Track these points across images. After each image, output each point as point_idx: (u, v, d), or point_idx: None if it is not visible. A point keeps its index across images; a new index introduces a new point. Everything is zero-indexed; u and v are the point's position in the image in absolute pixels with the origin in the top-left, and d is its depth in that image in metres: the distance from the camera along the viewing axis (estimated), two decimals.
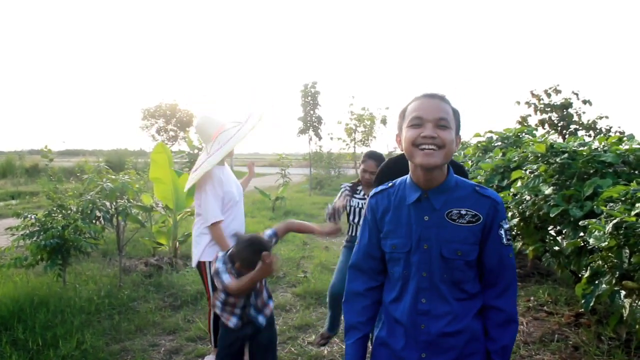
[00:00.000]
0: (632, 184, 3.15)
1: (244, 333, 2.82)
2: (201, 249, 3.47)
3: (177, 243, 6.54)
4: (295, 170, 19.51)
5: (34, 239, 4.84)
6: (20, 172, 20.25)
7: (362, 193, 3.88)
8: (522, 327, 4.22)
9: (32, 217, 5.02)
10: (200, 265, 3.50)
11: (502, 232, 1.65)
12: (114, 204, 5.55)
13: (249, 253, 2.65)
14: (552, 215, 3.69)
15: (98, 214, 5.44)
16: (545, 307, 4.67)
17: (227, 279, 2.68)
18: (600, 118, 13.54)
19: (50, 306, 4.54)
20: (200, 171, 3.42)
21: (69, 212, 5.26)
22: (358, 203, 3.86)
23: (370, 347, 1.91)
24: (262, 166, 31.58)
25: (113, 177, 5.86)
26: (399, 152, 2.25)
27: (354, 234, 3.81)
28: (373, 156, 3.85)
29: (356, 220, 3.85)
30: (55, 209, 5.23)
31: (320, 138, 24.66)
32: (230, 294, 2.71)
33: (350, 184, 3.98)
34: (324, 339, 3.93)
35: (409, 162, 1.67)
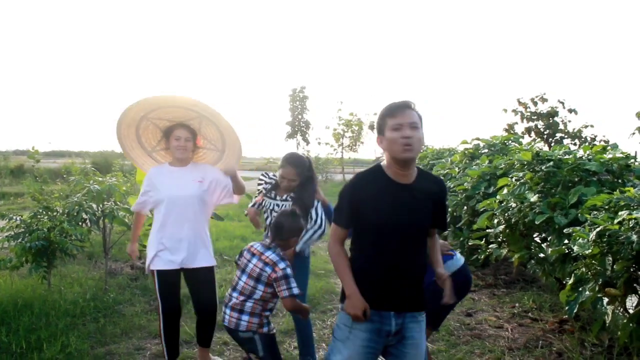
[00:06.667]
0: (615, 192, 3.20)
1: None
2: (150, 254, 3.42)
3: None
4: None
5: (19, 240, 4.79)
6: (5, 172, 19.98)
7: (276, 196, 3.54)
8: (506, 333, 4.27)
9: (17, 218, 4.97)
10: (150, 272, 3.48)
11: None
12: (101, 206, 5.52)
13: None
14: (537, 222, 3.74)
15: (84, 216, 5.40)
16: (530, 314, 4.72)
17: (297, 290, 2.82)
18: (586, 127, 13.80)
19: (35, 309, 4.49)
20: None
21: (54, 214, 5.21)
22: (270, 204, 3.52)
23: None
24: (249, 170, 31.43)
25: (100, 179, 5.82)
26: (385, 158, 2.27)
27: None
28: (292, 162, 3.39)
29: (269, 221, 3.49)
30: (40, 210, 5.18)
31: (308, 143, 24.70)
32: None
33: (271, 180, 3.60)
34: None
35: None
